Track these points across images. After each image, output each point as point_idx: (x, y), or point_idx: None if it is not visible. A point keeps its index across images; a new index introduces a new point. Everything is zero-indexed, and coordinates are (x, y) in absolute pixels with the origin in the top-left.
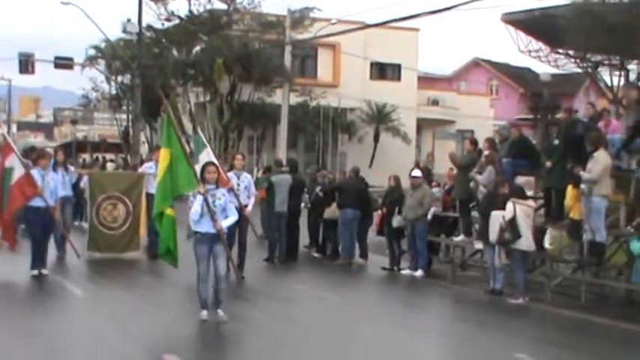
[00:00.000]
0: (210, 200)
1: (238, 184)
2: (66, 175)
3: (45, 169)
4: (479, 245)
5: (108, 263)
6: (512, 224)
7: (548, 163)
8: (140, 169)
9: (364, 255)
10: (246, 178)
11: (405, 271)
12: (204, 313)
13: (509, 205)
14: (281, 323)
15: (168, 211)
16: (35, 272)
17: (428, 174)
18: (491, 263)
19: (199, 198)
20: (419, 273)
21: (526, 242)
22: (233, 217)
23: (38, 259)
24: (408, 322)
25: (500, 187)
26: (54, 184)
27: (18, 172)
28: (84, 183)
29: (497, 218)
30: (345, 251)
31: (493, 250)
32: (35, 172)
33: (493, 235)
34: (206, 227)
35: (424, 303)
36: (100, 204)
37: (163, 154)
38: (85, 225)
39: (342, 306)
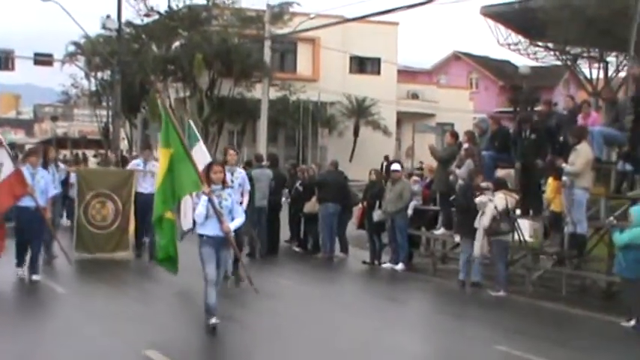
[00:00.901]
0: (215, 201)
1: (232, 181)
2: (56, 173)
3: (35, 166)
4: (459, 238)
5: (95, 262)
6: (507, 215)
7: (518, 164)
8: (128, 167)
9: (345, 249)
10: (240, 175)
11: (386, 265)
12: (213, 319)
13: (501, 196)
14: (264, 318)
15: (168, 215)
16: (21, 271)
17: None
18: (468, 255)
19: (204, 199)
20: (400, 266)
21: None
22: (240, 219)
23: (23, 259)
24: (390, 316)
25: (475, 178)
26: (44, 183)
27: (7, 169)
28: (72, 180)
29: (489, 207)
30: (325, 245)
31: (472, 242)
32: (25, 170)
33: (485, 222)
34: (212, 230)
35: (405, 296)
36: (88, 202)
37: (162, 155)
38: (69, 223)
39: (325, 300)
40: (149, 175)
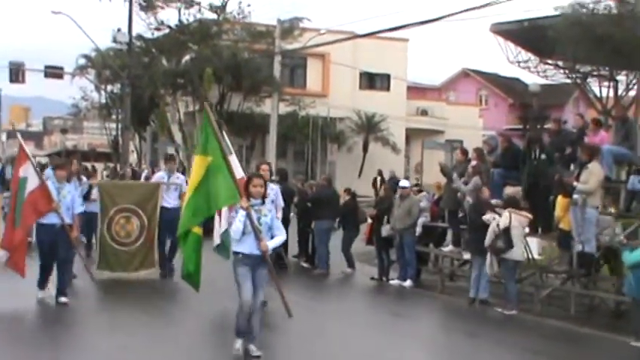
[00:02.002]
0: (254, 217)
1: None
2: (79, 187)
3: (61, 181)
4: (467, 255)
5: (118, 281)
6: (506, 233)
7: (525, 183)
8: (152, 179)
9: (351, 264)
10: (273, 190)
11: (394, 282)
12: (239, 343)
13: (506, 213)
14: (273, 334)
15: (195, 229)
16: (41, 294)
17: (395, 184)
18: (478, 272)
19: (241, 214)
20: (407, 283)
21: (518, 252)
22: (281, 237)
23: (46, 282)
24: (399, 333)
25: (479, 192)
26: (70, 199)
27: (32, 183)
28: (94, 195)
29: (491, 226)
30: (322, 261)
31: (482, 260)
32: (50, 184)
33: (486, 241)
34: (249, 247)
35: (413, 313)
36: (112, 217)
37: (198, 163)
38: (84, 239)
39: (333, 316)
40: (172, 187)
